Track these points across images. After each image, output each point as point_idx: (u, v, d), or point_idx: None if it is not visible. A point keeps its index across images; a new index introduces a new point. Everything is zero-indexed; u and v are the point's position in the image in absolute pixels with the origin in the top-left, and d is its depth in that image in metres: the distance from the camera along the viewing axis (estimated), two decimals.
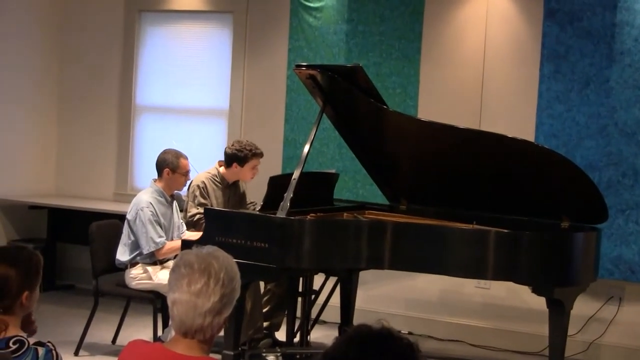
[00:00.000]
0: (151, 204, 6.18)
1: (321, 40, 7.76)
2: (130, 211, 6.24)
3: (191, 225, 6.42)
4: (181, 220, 6.48)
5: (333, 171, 6.81)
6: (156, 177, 6.35)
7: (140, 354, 2.60)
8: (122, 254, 6.23)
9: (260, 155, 6.49)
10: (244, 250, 5.23)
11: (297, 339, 6.16)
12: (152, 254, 6.16)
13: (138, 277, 6.19)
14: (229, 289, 2.52)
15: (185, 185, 6.46)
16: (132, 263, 6.21)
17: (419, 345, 1.91)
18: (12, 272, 2.88)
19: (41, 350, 2.77)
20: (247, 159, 6.43)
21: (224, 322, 2.56)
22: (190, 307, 2.49)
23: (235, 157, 6.44)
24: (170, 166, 6.27)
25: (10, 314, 2.87)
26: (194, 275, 2.50)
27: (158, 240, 6.12)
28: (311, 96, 6.20)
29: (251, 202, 6.75)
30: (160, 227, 6.18)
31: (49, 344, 2.80)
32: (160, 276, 6.13)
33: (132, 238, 6.19)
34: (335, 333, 6.70)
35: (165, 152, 6.37)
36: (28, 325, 3.00)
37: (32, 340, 2.80)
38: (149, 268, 6.18)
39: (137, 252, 6.17)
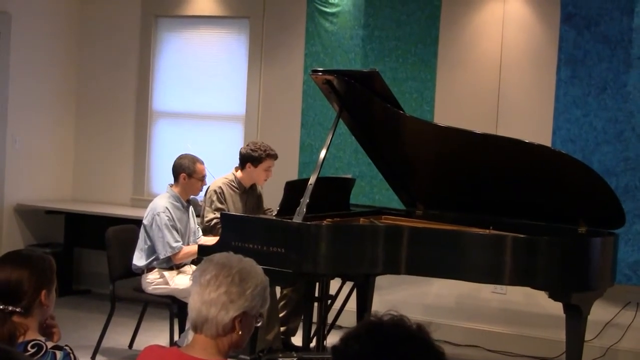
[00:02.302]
0: (167, 208, 6.18)
1: (337, 45, 7.77)
2: (146, 216, 6.25)
3: (208, 230, 6.42)
4: (197, 226, 6.49)
5: (349, 176, 6.80)
6: (172, 182, 6.36)
7: (157, 358, 2.61)
8: (139, 259, 6.24)
9: (275, 156, 6.48)
10: (261, 255, 5.21)
11: (313, 344, 6.15)
12: (168, 259, 6.17)
13: (155, 282, 6.20)
14: (237, 288, 2.55)
15: (201, 190, 6.46)
16: (149, 268, 6.22)
17: (429, 333, 1.87)
18: (26, 273, 2.90)
19: (59, 354, 2.78)
20: (261, 160, 6.43)
21: (238, 329, 2.56)
22: (198, 295, 2.55)
23: (250, 157, 6.44)
24: (186, 171, 6.28)
25: (30, 316, 2.89)
26: (209, 267, 2.59)
27: (175, 245, 6.13)
28: (327, 101, 6.20)
29: (268, 209, 6.75)
30: (177, 231, 6.18)
31: (66, 347, 2.81)
32: (177, 281, 6.14)
33: (149, 243, 6.20)
34: None
35: (181, 157, 6.38)
36: (49, 334, 3.02)
37: (49, 344, 2.81)
38: (166, 273, 6.19)
39: (154, 257, 6.18)
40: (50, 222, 8.67)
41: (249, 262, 2.63)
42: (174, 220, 6.19)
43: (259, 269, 2.64)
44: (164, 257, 6.14)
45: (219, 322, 2.54)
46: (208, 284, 2.54)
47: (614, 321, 6.87)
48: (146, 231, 6.21)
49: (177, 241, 6.15)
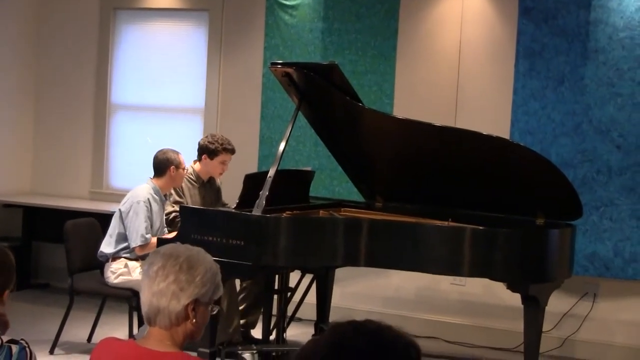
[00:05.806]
0: (148, 199, 6.19)
1: (297, 38, 7.76)
2: (124, 203, 6.26)
3: (167, 224, 6.41)
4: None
5: (309, 169, 6.80)
6: (151, 176, 6.35)
7: (113, 351, 2.60)
8: (107, 246, 6.23)
9: (231, 151, 6.51)
10: (220, 248, 5.22)
11: (273, 337, 6.16)
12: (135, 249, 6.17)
13: (118, 271, 6.18)
14: (186, 275, 2.54)
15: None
16: (114, 257, 6.20)
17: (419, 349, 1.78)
18: None
19: (15, 348, 2.76)
20: (217, 153, 6.46)
21: (192, 317, 2.55)
22: (148, 288, 2.56)
23: (206, 148, 6.48)
24: (174, 163, 6.30)
25: None
26: (157, 259, 2.59)
27: (147, 235, 6.13)
28: (287, 94, 6.19)
29: (225, 204, 6.74)
30: (151, 224, 6.18)
31: (22, 341, 2.79)
32: (139, 272, 6.12)
33: (121, 230, 6.19)
34: (311, 330, 6.71)
35: (163, 152, 6.37)
36: (1, 323, 3.00)
37: (5, 338, 2.79)
38: (130, 263, 6.18)
39: (123, 245, 6.17)
40: (8, 215, 8.59)
41: (197, 250, 2.63)
42: (151, 212, 6.19)
43: (207, 256, 2.63)
44: (135, 245, 6.12)
45: (171, 311, 2.53)
46: (156, 275, 2.54)
47: (571, 312, 6.94)
48: (122, 217, 6.21)
49: (149, 233, 6.15)
